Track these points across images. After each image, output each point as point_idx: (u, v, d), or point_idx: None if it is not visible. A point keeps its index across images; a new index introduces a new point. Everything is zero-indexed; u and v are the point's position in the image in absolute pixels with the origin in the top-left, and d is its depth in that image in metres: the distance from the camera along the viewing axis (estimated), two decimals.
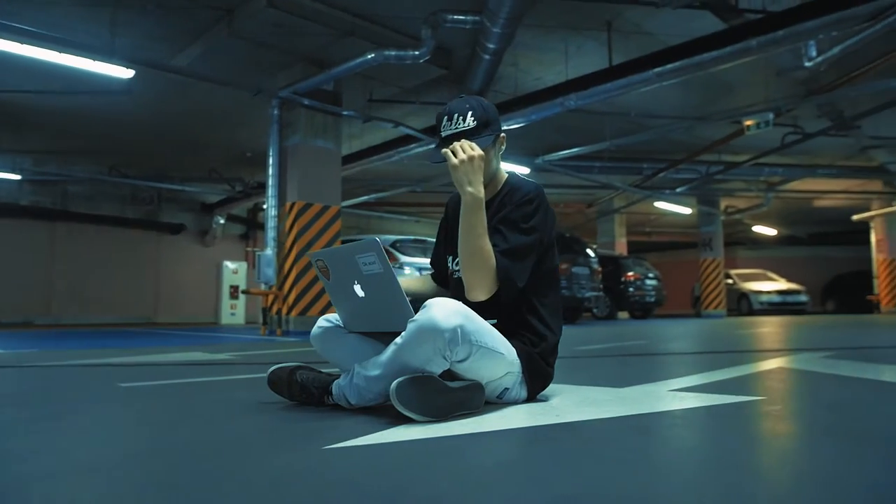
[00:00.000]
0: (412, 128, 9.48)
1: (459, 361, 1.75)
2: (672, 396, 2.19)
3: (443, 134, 1.92)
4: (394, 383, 1.67)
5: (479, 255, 1.85)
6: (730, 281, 18.45)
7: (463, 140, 1.85)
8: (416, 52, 7.19)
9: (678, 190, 14.81)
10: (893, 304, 17.81)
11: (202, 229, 17.41)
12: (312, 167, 8.56)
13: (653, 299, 15.98)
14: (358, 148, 11.57)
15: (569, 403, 2.00)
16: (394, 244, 9.95)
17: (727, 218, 18.38)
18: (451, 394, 1.74)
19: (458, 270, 2.02)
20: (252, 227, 17.98)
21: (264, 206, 8.70)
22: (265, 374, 2.08)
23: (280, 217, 8.46)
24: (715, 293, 17.63)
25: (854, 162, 14.10)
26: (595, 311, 14.21)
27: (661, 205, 16.23)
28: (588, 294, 11.99)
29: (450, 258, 2.16)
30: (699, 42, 6.98)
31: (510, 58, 8.61)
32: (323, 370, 2.01)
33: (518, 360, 1.91)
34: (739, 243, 24.18)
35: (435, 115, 2.02)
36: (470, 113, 1.88)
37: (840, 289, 21.00)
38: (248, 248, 17.78)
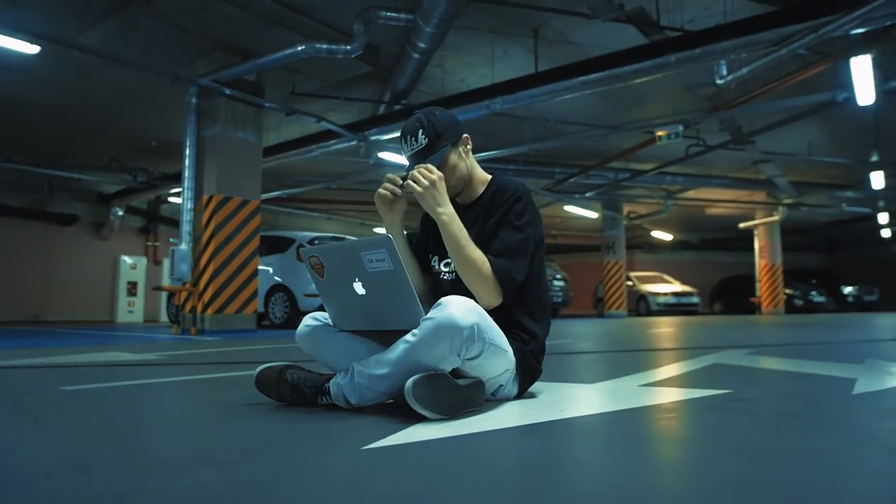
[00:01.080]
0: (335, 123, 9.32)
1: (470, 359, 1.76)
2: (650, 391, 2.29)
3: (405, 156, 2.00)
4: (409, 381, 1.65)
5: (472, 265, 1.88)
6: (630, 283, 19.37)
7: (419, 167, 1.89)
8: (348, 47, 7.09)
9: (587, 195, 15.41)
10: (773, 306, 19.32)
11: (98, 221, 16.30)
12: (232, 159, 8.24)
13: (560, 300, 16.55)
14: (274, 141, 11.24)
15: (560, 400, 2.05)
16: (311, 242, 9.75)
17: (629, 223, 19.32)
18: (460, 391, 1.75)
19: (447, 272, 2.06)
20: (153, 220, 17.04)
21: (180, 199, 8.26)
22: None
23: (196, 211, 8.07)
24: (617, 294, 18.45)
25: (744, 174, 15.20)
26: None
27: (570, 208, 16.82)
28: None
29: (433, 257, 2.16)
30: (622, 54, 7.29)
31: (437, 58, 8.65)
32: (312, 370, 1.95)
33: (514, 358, 1.94)
34: (638, 247, 25.42)
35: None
36: (420, 131, 1.94)
37: (726, 291, 22.53)
38: (149, 243, 16.86)
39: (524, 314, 2.04)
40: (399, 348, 1.74)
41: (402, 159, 10.99)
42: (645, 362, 3.50)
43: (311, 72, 8.94)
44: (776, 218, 18.83)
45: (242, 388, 2.55)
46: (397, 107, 9.65)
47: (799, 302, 19.87)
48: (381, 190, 1.99)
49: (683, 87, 9.51)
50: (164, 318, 14.81)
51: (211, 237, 7.98)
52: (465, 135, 2.07)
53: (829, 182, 15.90)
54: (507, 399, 1.98)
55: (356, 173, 13.71)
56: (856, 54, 6.90)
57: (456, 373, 1.81)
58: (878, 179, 13.00)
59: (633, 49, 7.27)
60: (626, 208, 19.02)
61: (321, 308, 8.23)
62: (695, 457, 1.33)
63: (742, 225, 20.03)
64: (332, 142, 10.07)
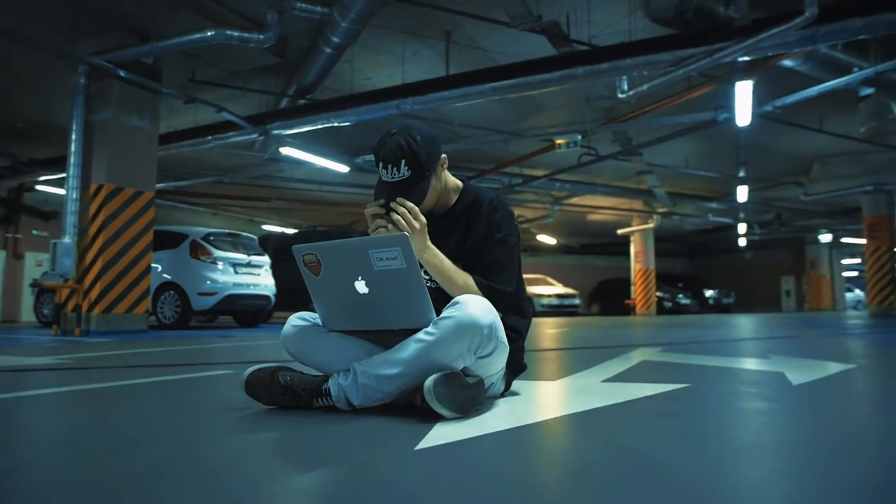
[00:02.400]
0: (236, 114, 8.93)
1: (482, 357, 1.78)
2: (621, 386, 2.41)
3: (381, 178, 1.87)
4: (429, 381, 1.65)
5: (461, 291, 1.84)
6: None
7: (403, 204, 1.81)
8: (261, 37, 6.82)
9: None
10: (646, 308, 20.69)
11: None
12: (125, 147, 7.67)
13: None
14: (163, 130, 10.56)
15: (547, 396, 2.13)
16: (206, 237, 9.29)
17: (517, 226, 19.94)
18: (470, 389, 1.77)
19: (428, 279, 1.98)
20: (15, 209, 15.45)
21: (52, 188, 7.57)
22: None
23: (83, 201, 7.43)
24: None
25: (626, 183, 16.18)
26: None
27: None
28: None
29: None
30: (534, 63, 7.54)
31: (346, 55, 8.52)
32: (303, 372, 1.89)
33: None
34: (523, 250, 26.28)
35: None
36: (403, 161, 1.82)
37: (604, 293, 23.86)
38: (9, 235, 15.29)
39: (512, 313, 2.08)
40: (412, 348, 1.72)
41: (305, 156, 10.82)
42: (579, 360, 3.65)
43: (213, 59, 8.51)
44: (651, 225, 20.19)
45: (210, 392, 2.42)
46: (302, 101, 9.41)
47: (668, 304, 21.41)
48: (372, 226, 1.89)
49: (580, 98, 9.98)
50: (27, 317, 13.49)
51: (99, 230, 7.38)
52: (443, 155, 1.99)
53: (699, 194, 17.27)
54: (495, 396, 2.01)
55: (249, 167, 13.20)
56: (740, 79, 7.56)
57: (462, 372, 1.82)
58: (742, 193, 14.33)
59: (544, 59, 7.55)
60: (515, 212, 19.59)
61: (218, 307, 7.92)
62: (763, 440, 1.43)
63: (620, 231, 21.31)
64: (231, 134, 9.64)
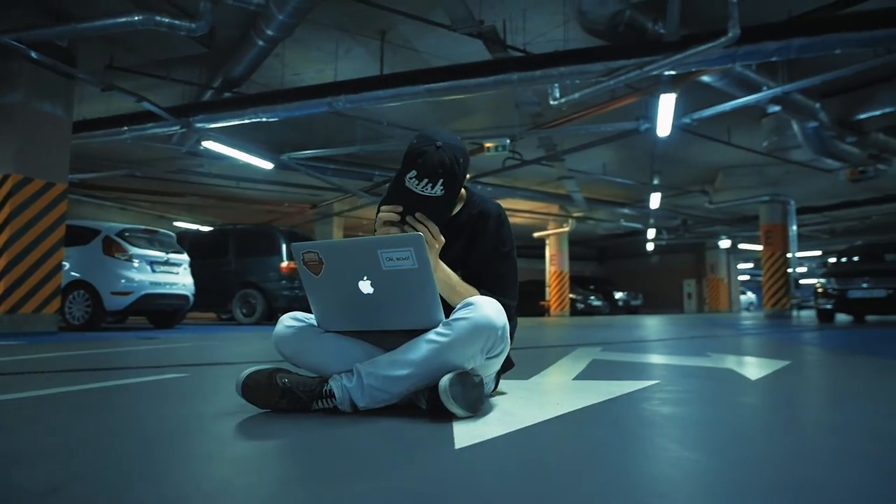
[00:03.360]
0: (158, 105, 8.50)
1: (490, 357, 1.80)
2: (593, 384, 2.49)
3: (408, 186, 1.77)
4: (445, 380, 1.66)
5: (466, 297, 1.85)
6: None
7: (427, 232, 1.77)
8: (193, 25, 6.52)
9: None
10: (560, 309, 21.31)
11: None
12: (35, 135, 7.13)
13: None
14: (74, 118, 9.88)
15: (534, 394, 2.17)
16: (121, 233, 8.79)
17: None
18: (478, 388, 1.79)
19: None
20: None
21: None
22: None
23: None
24: None
25: (546, 188, 16.62)
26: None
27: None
28: None
29: None
30: (470, 67, 7.61)
31: (277, 49, 8.29)
32: (299, 373, 1.84)
33: None
34: None
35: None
36: (441, 181, 1.76)
37: (520, 295, 24.31)
38: None
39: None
40: (423, 349, 1.72)
41: (229, 150, 10.42)
42: (534, 360, 3.71)
43: (134, 46, 8.07)
44: (566, 229, 20.83)
45: (185, 397, 2.30)
46: (227, 94, 9.08)
47: (581, 305, 22.14)
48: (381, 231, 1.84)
49: (509, 102, 10.16)
50: None
51: (5, 223, 6.83)
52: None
53: (613, 199, 17.98)
54: (488, 395, 2.04)
55: (164, 161, 12.60)
56: (664, 92, 7.94)
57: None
58: (655, 200, 15.06)
59: (480, 63, 7.63)
60: None
61: (134, 307, 7.58)
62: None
63: (536, 234, 21.85)
64: (150, 125, 9.16)
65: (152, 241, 9.24)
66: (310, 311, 1.92)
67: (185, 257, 9.56)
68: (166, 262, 9.10)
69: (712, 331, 7.91)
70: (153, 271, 8.86)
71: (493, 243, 1.95)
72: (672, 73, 7.33)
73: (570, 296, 21.92)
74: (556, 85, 8.03)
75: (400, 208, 1.80)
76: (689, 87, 8.42)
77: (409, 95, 7.97)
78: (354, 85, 8.11)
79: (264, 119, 8.76)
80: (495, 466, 1.20)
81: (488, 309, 1.71)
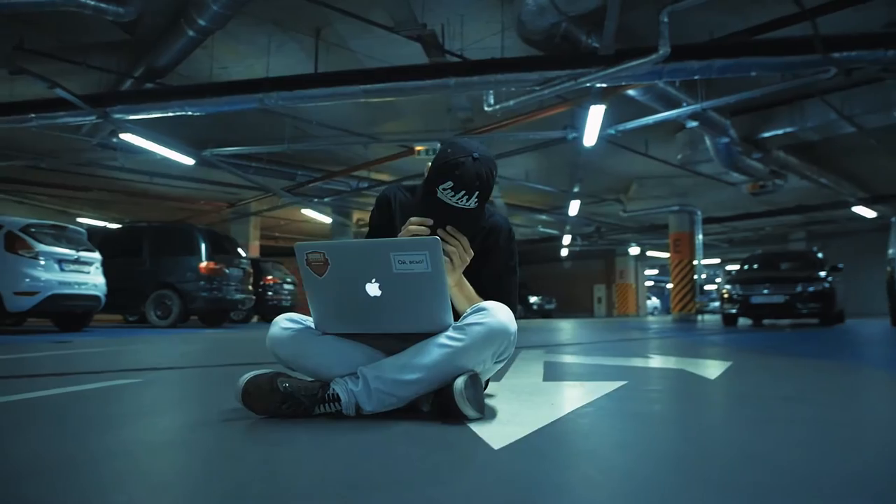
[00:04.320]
0: (73, 93, 7.97)
1: (498, 361, 1.82)
2: (566, 385, 2.56)
3: (441, 198, 1.74)
4: (459, 382, 1.68)
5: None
6: None
7: (460, 247, 1.79)
8: (122, 10, 6.18)
9: (326, 200, 15.54)
10: None
11: None
12: None
13: (289, 304, 16.38)
14: None
15: (524, 396, 2.20)
16: (26, 229, 8.18)
17: (357, 230, 19.90)
18: (483, 390, 1.82)
19: None
20: None
21: None
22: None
23: None
24: None
25: None
26: (232, 314, 13.86)
27: (307, 212, 16.73)
28: (239, 297, 11.71)
29: None
30: (408, 70, 7.61)
31: (206, 40, 7.99)
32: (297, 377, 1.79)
33: None
34: None
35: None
36: (477, 193, 1.74)
37: None
38: None
39: None
40: (435, 353, 1.71)
41: (148, 144, 9.89)
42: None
43: (48, 27, 7.54)
44: None
45: (157, 405, 2.18)
46: (149, 85, 8.64)
47: None
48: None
49: (441, 107, 10.24)
50: None
51: None
52: None
53: (532, 206, 18.44)
54: None
55: (72, 153, 11.82)
56: (594, 103, 8.24)
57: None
58: (574, 207, 15.57)
59: (418, 66, 7.65)
60: (355, 215, 19.58)
61: (40, 308, 7.21)
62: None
63: None
64: (61, 113, 8.56)
65: (61, 237, 8.65)
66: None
67: (96, 256, 9.01)
68: (76, 261, 8.54)
69: (631, 334, 8.27)
70: (62, 270, 8.30)
71: (504, 259, 1.99)
72: (603, 85, 7.62)
73: None
74: (492, 91, 8.16)
75: (430, 221, 1.77)
76: (615, 100, 8.78)
77: (346, 95, 7.87)
78: (289, 82, 7.91)
79: (190, 113, 8.41)
80: (553, 463, 1.22)
81: (502, 315, 1.73)
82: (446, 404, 1.69)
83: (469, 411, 1.66)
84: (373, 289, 1.69)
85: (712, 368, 3.23)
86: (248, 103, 8.20)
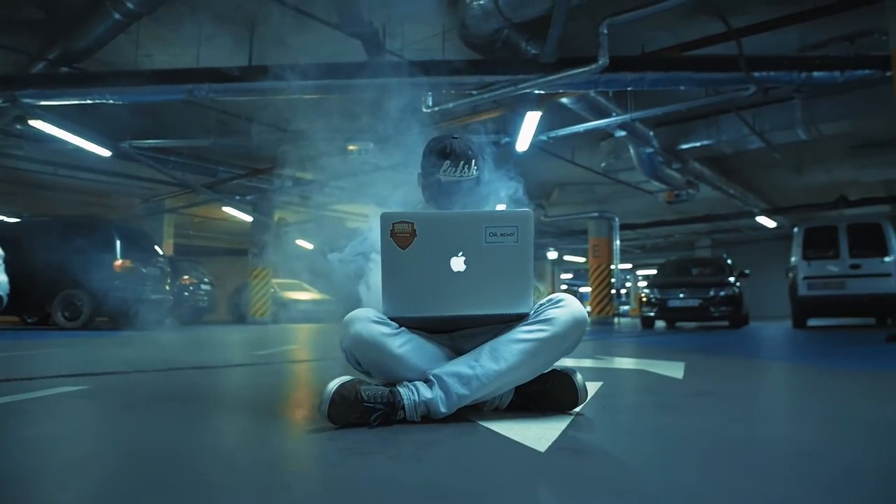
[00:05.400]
0: None
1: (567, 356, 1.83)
2: None
3: (442, 178, 1.94)
4: (580, 378, 1.77)
5: None
6: (272, 289, 19.46)
7: None
8: None
9: (248, 198, 15.06)
10: None
11: None
12: None
13: (206, 305, 15.78)
14: None
15: None
16: None
17: (278, 229, 19.39)
18: None
19: None
20: None
21: None
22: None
23: None
24: (263, 300, 18.33)
25: (395, 194, 16.72)
26: (149, 316, 13.20)
27: (228, 210, 16.13)
28: (156, 297, 11.17)
29: None
30: (352, 67, 7.48)
31: (133, 26, 7.56)
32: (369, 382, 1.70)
33: None
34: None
35: (426, 155, 2.00)
36: (474, 162, 1.96)
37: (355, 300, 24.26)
38: None
39: None
40: (517, 348, 1.68)
41: (61, 133, 9.20)
42: None
43: None
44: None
45: (142, 415, 2.03)
46: (65, 69, 8.08)
47: None
48: None
49: (374, 106, 10.10)
50: None
51: None
52: None
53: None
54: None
55: None
56: (530, 109, 8.39)
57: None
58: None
59: (359, 65, 7.54)
60: (276, 215, 19.06)
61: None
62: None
63: None
64: None
65: None
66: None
67: None
68: None
69: None
70: None
71: None
72: (541, 92, 7.78)
73: None
74: (430, 93, 8.16)
75: None
76: (548, 107, 8.98)
77: (283, 91, 7.69)
78: (223, 74, 7.62)
79: (111, 101, 7.93)
80: (603, 460, 1.23)
81: (578, 304, 1.75)
82: (556, 397, 1.76)
83: (583, 404, 1.77)
84: (458, 263, 1.64)
85: (671, 369, 3.35)
86: (176, 94, 7.83)
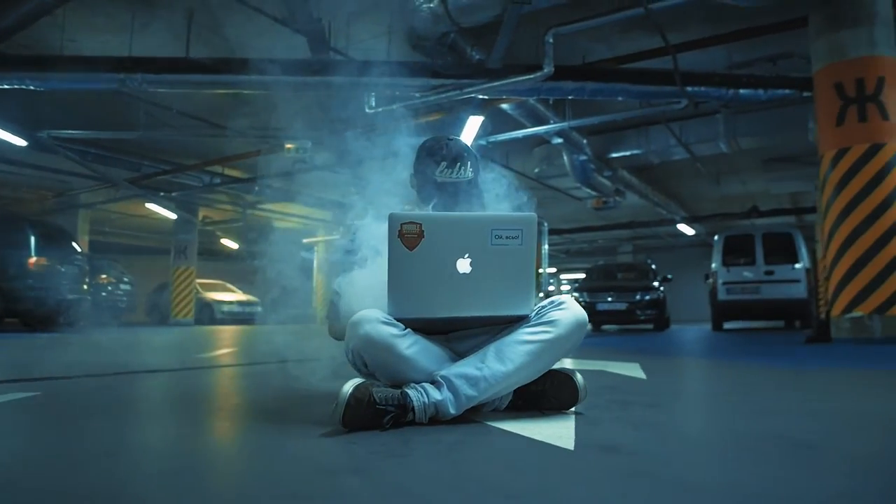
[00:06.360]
0: None
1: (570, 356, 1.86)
2: None
3: (438, 179, 1.93)
4: (580, 378, 1.80)
5: None
6: (195, 290, 18.79)
7: None
8: None
9: (174, 194, 14.49)
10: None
11: None
12: None
13: (124, 305, 15.06)
14: None
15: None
16: None
17: (202, 228, 18.75)
18: None
19: None
20: None
21: None
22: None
23: None
24: (186, 301, 17.67)
25: (328, 194, 16.50)
26: (63, 318, 12.47)
27: (152, 206, 15.45)
28: (74, 297, 10.57)
29: None
30: (295, 64, 7.34)
31: (59, 9, 7.13)
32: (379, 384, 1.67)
33: None
34: (199, 253, 24.78)
35: (420, 157, 2.01)
36: (469, 163, 1.97)
37: (285, 301, 23.76)
38: None
39: None
40: (523, 349, 1.71)
41: None
42: None
43: None
44: (337, 237, 20.89)
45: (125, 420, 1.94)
46: None
47: None
48: None
49: (314, 104, 9.93)
50: None
51: None
52: None
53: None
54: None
55: None
56: (473, 114, 8.49)
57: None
58: None
59: (304, 61, 7.41)
60: (201, 212, 18.43)
61: None
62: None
63: (306, 240, 21.54)
64: None
65: None
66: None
67: None
68: None
69: None
70: None
71: None
72: (485, 97, 7.88)
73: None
74: (374, 94, 8.11)
75: None
76: (488, 112, 9.11)
77: (223, 85, 7.48)
78: (160, 64, 7.32)
79: (31, 87, 7.47)
80: (632, 457, 1.27)
81: (578, 306, 1.78)
82: (556, 397, 1.78)
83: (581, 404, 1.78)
84: (464, 265, 1.65)
85: (629, 369, 3.48)
86: (106, 83, 7.46)
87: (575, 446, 1.38)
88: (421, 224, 1.62)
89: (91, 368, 3.50)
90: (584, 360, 4.14)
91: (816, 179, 6.23)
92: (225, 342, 7.40)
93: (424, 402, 1.62)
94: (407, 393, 1.62)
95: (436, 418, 1.63)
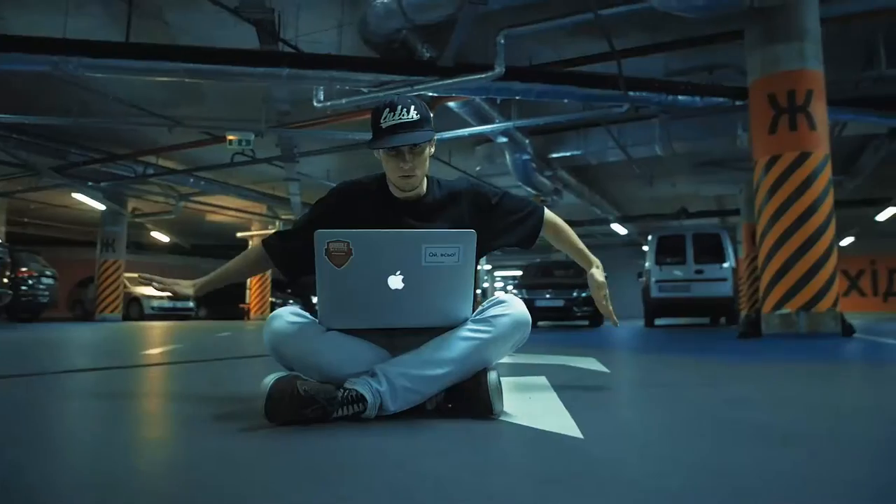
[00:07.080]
0: None
1: (516, 351, 1.89)
2: (506, 382, 2.70)
3: (384, 125, 1.84)
4: (493, 377, 1.73)
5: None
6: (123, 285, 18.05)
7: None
8: None
9: (102, 184, 13.87)
10: (261, 312, 20.78)
11: None
12: None
13: (46, 300, 14.35)
14: None
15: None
16: None
17: (131, 220, 18.01)
18: None
19: None
20: None
21: None
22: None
23: None
24: (114, 296, 16.94)
25: (261, 188, 16.18)
26: None
27: (78, 196, 14.71)
28: None
29: None
30: (239, 54, 7.19)
31: None
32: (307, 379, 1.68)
33: None
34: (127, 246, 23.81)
35: (373, 116, 1.94)
36: (413, 107, 1.87)
37: (214, 297, 23.06)
38: None
39: None
40: (461, 346, 1.73)
41: None
42: None
43: None
44: (272, 231, 20.48)
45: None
46: None
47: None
48: None
49: (252, 95, 9.70)
50: None
51: None
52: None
53: None
54: None
55: None
56: None
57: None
58: None
59: (251, 52, 7.26)
60: (130, 204, 17.70)
61: None
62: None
63: (239, 234, 21.02)
64: None
65: None
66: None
67: None
68: None
69: None
70: None
71: (517, 215, 2.09)
72: (434, 94, 7.92)
73: (271, 299, 21.52)
74: (322, 88, 8.03)
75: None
76: (436, 111, 9.16)
77: (164, 72, 7.20)
78: (97, 48, 7.00)
79: None
80: (642, 441, 1.36)
81: (520, 305, 1.82)
82: (474, 398, 1.71)
83: (499, 406, 1.70)
84: (395, 282, 1.65)
85: (588, 363, 3.62)
86: (38, 65, 7.10)
87: (585, 436, 1.45)
88: (349, 242, 1.61)
89: (45, 366, 3.36)
90: (542, 356, 4.25)
91: (741, 183, 6.56)
92: (169, 338, 7.16)
93: (371, 395, 1.64)
94: (341, 386, 1.65)
95: (379, 413, 1.65)
